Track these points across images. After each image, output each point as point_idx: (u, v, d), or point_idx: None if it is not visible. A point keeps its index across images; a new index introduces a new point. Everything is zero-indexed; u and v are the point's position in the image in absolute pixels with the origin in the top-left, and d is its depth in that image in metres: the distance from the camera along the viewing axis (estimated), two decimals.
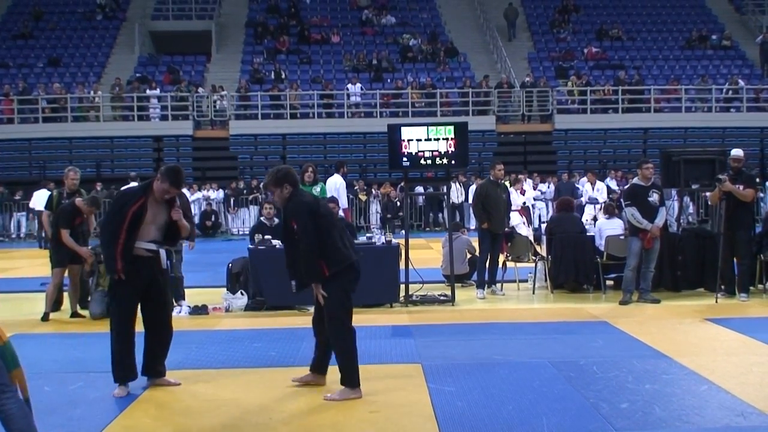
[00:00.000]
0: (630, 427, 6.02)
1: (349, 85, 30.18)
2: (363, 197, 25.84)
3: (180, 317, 10.97)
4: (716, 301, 11.48)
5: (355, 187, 26.09)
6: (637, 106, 29.92)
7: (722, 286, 11.81)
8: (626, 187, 12.74)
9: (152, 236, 7.15)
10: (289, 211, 6.95)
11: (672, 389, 7.05)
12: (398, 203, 24.41)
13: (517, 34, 35.56)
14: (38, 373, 7.89)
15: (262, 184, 6.81)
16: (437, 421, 6.19)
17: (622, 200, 12.39)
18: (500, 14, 35.89)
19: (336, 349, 6.96)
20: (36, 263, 17.84)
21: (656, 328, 9.74)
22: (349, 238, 7.21)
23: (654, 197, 11.44)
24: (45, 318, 10.90)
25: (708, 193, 13.15)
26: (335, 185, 14.45)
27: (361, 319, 10.41)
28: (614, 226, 12.72)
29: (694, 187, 13.40)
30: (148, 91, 29.89)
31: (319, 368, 7.26)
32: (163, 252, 7.33)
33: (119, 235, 6.97)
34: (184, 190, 21.62)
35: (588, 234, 12.99)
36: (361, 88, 30.14)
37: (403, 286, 11.62)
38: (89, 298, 11.19)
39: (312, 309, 11.21)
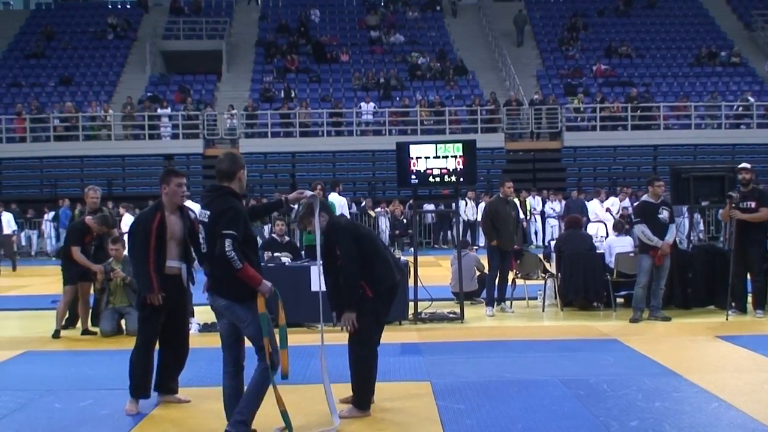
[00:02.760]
0: None
1: (362, 104, 30.30)
2: (372, 214, 25.86)
3: (190, 334, 10.99)
4: (727, 319, 11.43)
5: (363, 204, 26.13)
6: (647, 123, 29.91)
7: (733, 304, 11.77)
8: (636, 204, 12.71)
9: (175, 253, 7.21)
10: (331, 239, 6.82)
11: (682, 407, 7.02)
12: (404, 220, 24.44)
13: (525, 42, 35.76)
14: (49, 390, 7.94)
15: (299, 216, 6.75)
16: None
17: (632, 217, 12.36)
18: (508, 33, 36.09)
19: (355, 369, 6.89)
20: (47, 281, 17.92)
21: (667, 346, 9.71)
22: (393, 255, 7.18)
23: (664, 214, 11.42)
24: (56, 335, 10.94)
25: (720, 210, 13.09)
26: (339, 204, 14.51)
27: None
28: (624, 243, 12.70)
29: (704, 204, 13.38)
30: (159, 110, 30.06)
31: None
32: (184, 268, 7.36)
33: (149, 254, 7.03)
34: (193, 205, 21.78)
35: (598, 251, 12.97)
36: (374, 107, 30.25)
37: (412, 304, 11.62)
38: (100, 315, 11.21)
39: (320, 326, 11.23)
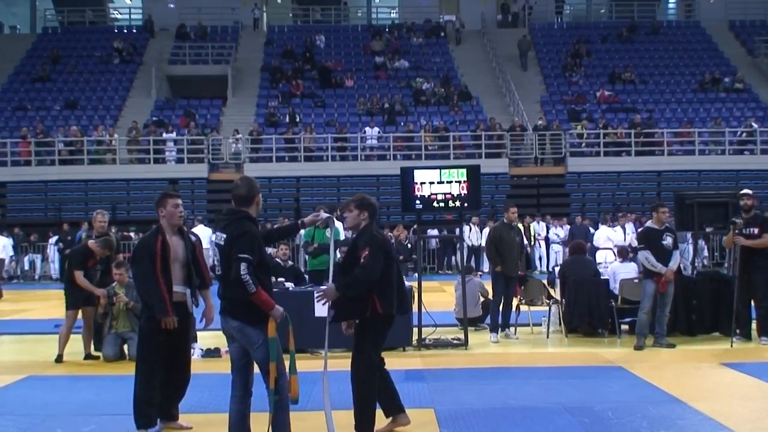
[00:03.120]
0: None
1: (367, 129, 30.38)
2: None
3: (192, 360, 10.96)
4: (731, 346, 11.38)
5: None
6: (651, 149, 29.94)
7: (737, 330, 11.72)
8: (640, 230, 12.69)
9: (179, 277, 7.20)
10: (362, 240, 6.88)
11: None
12: (409, 245, 24.42)
13: (529, 67, 35.95)
14: (50, 415, 7.91)
15: (346, 201, 6.85)
16: None
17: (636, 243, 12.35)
18: (512, 58, 36.30)
19: (358, 390, 6.85)
20: (50, 305, 17.90)
21: (671, 373, 9.68)
22: (406, 294, 7.25)
23: (668, 240, 11.39)
24: (58, 360, 10.92)
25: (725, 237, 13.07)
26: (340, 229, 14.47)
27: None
28: (628, 270, 12.67)
29: (708, 230, 13.37)
30: (164, 134, 30.16)
31: (394, 409, 7.18)
32: (188, 293, 7.34)
33: (157, 277, 7.00)
34: (204, 229, 21.84)
35: (602, 277, 12.93)
36: (379, 132, 30.32)
37: (416, 330, 11.59)
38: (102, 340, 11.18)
39: (323, 352, 11.21)
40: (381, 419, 7.15)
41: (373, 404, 6.87)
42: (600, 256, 18.81)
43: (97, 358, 11.05)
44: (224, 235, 6.15)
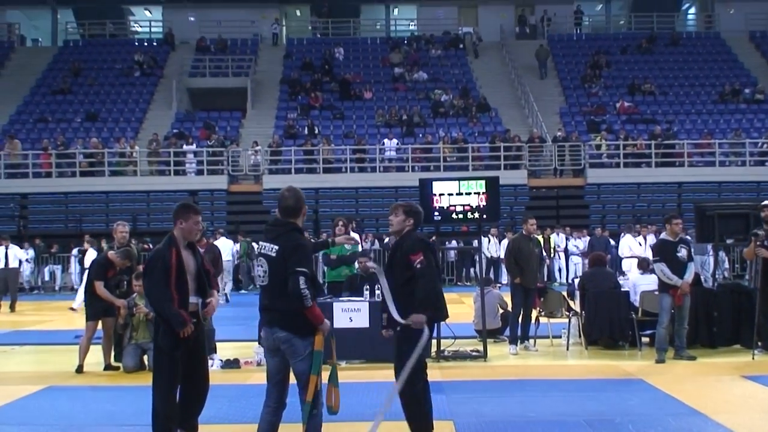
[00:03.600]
0: None
1: (386, 140, 30.43)
2: None
3: (212, 371, 10.98)
4: (753, 358, 11.29)
5: (386, 241, 26.15)
6: (671, 160, 29.81)
7: (759, 343, 11.62)
8: (654, 243, 12.62)
9: (192, 288, 7.19)
10: (408, 244, 6.98)
11: None
12: None
13: (548, 79, 35.95)
14: (71, 425, 7.95)
15: (394, 204, 7.02)
16: None
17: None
18: (531, 69, 36.31)
19: (407, 397, 6.90)
20: (70, 316, 18.03)
21: (692, 386, 9.61)
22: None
23: (682, 252, 11.29)
24: (79, 370, 10.97)
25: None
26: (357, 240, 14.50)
27: (392, 374, 10.39)
28: (649, 282, 12.59)
29: (728, 241, 13.27)
30: (184, 146, 30.32)
31: None
32: (201, 303, 7.34)
33: (171, 292, 6.96)
34: (226, 241, 21.88)
35: (622, 289, 12.86)
36: (397, 143, 30.36)
37: (434, 342, 11.57)
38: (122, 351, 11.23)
39: (343, 363, 11.20)
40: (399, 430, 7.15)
41: (429, 414, 6.91)
42: (626, 265, 18.68)
43: (117, 368, 11.10)
44: (276, 247, 6.15)
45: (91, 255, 20.06)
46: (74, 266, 22.40)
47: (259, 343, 11.67)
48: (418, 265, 6.82)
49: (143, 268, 7.48)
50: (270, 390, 6.23)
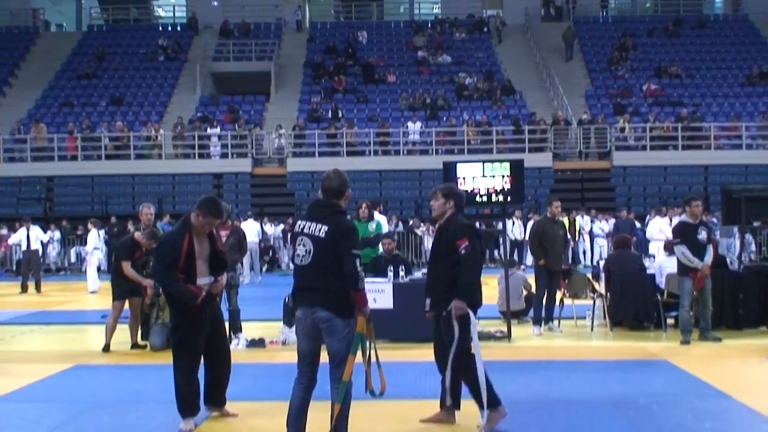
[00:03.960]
0: None
1: (409, 124, 30.39)
2: (419, 233, 25.88)
3: (237, 350, 11.07)
4: None
5: (410, 223, 26.17)
6: (697, 143, 29.58)
7: None
8: (675, 225, 12.52)
9: (204, 271, 7.23)
10: (452, 229, 7.00)
11: (733, 428, 6.92)
12: None
13: (573, 61, 35.69)
14: (98, 403, 8.04)
15: (432, 189, 7.09)
16: None
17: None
18: (556, 51, 36.09)
19: (463, 378, 6.98)
20: (96, 296, 18.20)
21: (717, 367, 9.56)
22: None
23: (702, 234, 11.17)
24: (106, 349, 11.09)
25: None
26: (383, 223, 14.53)
27: (416, 354, 10.42)
28: (674, 264, 12.51)
29: (755, 224, 13.18)
30: (208, 130, 30.45)
31: (453, 403, 7.20)
32: (211, 280, 7.37)
33: (177, 274, 7.01)
34: (252, 224, 22.02)
35: (648, 272, 12.79)
36: (421, 127, 30.32)
37: None
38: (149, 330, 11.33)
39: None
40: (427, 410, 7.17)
41: (483, 380, 6.92)
42: (653, 248, 18.53)
43: (144, 347, 11.20)
44: (325, 227, 6.12)
45: (93, 236, 20.25)
46: (102, 247, 22.55)
47: (283, 323, 11.76)
48: (463, 251, 6.85)
49: (155, 250, 7.51)
50: (303, 369, 6.24)
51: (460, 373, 6.95)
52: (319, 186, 6.46)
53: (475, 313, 7.04)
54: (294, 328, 6.76)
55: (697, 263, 11.01)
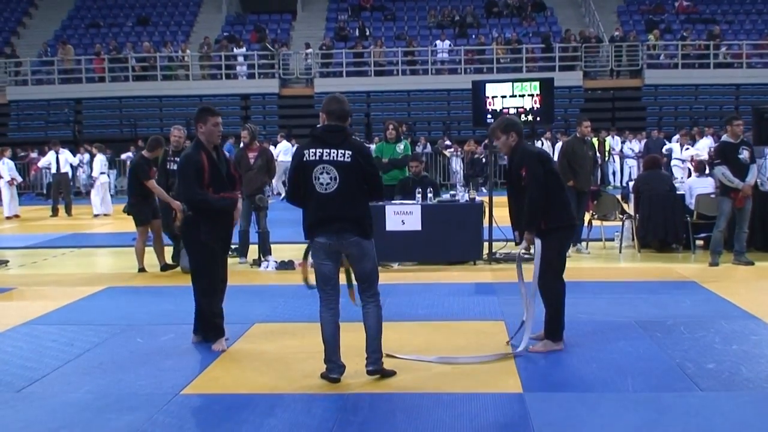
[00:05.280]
0: (716, 387, 5.94)
1: (438, 42, 30.00)
2: (447, 154, 25.79)
3: (267, 272, 11.19)
4: None
5: (437, 145, 26.06)
6: (730, 61, 28.99)
7: None
8: (716, 145, 12.33)
9: (227, 188, 7.25)
10: (517, 159, 6.98)
11: (760, 350, 6.91)
12: (483, 160, 24.28)
13: None
14: (131, 325, 8.17)
15: (490, 129, 7.10)
16: (520, 378, 6.21)
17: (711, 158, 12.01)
18: None
19: (546, 300, 7.04)
20: (127, 219, 18.34)
21: (746, 289, 9.53)
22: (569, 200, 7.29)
23: (744, 154, 11.03)
24: (142, 270, 11.34)
25: None
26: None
27: (444, 276, 10.48)
28: (705, 185, 12.40)
29: None
30: (235, 50, 30.26)
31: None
32: None
33: (205, 189, 7.03)
34: (283, 147, 22.01)
35: (678, 192, 12.69)
36: (449, 45, 29.93)
37: (486, 244, 11.60)
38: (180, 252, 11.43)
39: (396, 266, 11.30)
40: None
41: (562, 310, 6.99)
42: (677, 172, 18.42)
43: (175, 266, 11.31)
44: (349, 152, 6.08)
45: (98, 161, 20.31)
46: (107, 171, 22.66)
47: (239, 255, 11.83)
48: (524, 182, 6.85)
49: (177, 172, 7.50)
50: (329, 293, 6.29)
51: (543, 291, 7.00)
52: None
53: (571, 232, 7.25)
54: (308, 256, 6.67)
55: (738, 183, 10.86)
